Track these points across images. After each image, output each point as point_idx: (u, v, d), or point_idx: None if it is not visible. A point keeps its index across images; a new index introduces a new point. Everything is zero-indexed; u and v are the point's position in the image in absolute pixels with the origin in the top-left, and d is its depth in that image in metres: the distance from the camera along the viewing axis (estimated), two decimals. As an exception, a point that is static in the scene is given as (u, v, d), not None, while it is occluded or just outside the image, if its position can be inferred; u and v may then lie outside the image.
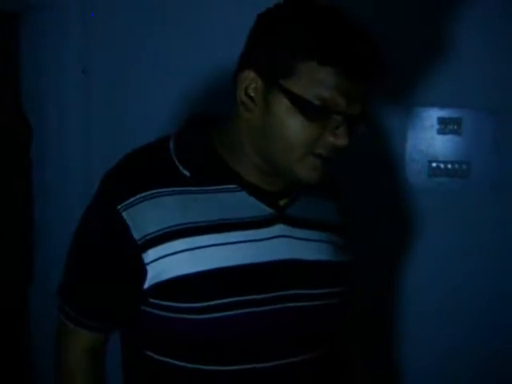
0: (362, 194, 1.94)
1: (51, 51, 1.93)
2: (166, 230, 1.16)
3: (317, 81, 1.12)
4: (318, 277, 1.27)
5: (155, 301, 1.18)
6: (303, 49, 1.12)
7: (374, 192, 1.95)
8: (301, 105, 1.13)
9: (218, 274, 1.16)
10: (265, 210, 1.22)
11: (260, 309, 1.18)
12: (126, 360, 1.31)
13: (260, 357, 1.20)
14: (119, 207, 1.16)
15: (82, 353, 1.26)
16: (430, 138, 1.93)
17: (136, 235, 1.15)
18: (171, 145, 1.24)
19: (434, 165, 1.93)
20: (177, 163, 1.21)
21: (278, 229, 1.23)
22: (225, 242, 1.17)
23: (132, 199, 1.16)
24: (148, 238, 1.15)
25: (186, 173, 1.20)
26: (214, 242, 1.17)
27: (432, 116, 1.92)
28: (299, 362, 1.24)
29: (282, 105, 1.14)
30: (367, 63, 1.13)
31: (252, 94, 1.17)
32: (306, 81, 1.12)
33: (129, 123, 1.99)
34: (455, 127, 1.91)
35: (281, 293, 1.21)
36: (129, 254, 1.16)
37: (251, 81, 1.17)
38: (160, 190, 1.18)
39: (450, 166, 1.92)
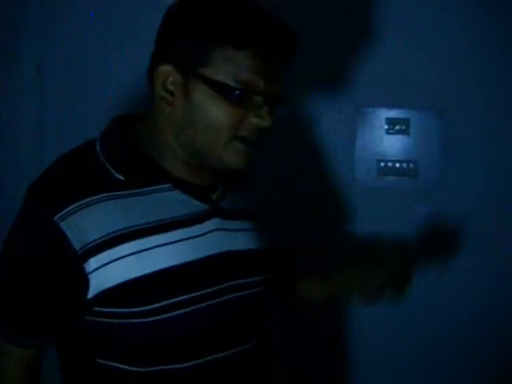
0: (310, 193, 1.98)
1: (6, 50, 1.94)
2: (109, 236, 1.14)
3: (234, 65, 1.15)
4: (253, 265, 1.30)
5: (101, 309, 1.16)
6: (216, 35, 1.14)
7: (323, 190, 1.98)
8: (221, 90, 1.15)
9: (164, 275, 1.16)
10: (199, 205, 1.23)
11: (205, 304, 1.20)
12: (69, 368, 1.26)
13: (209, 351, 1.22)
14: (56, 218, 1.12)
15: (17, 373, 1.20)
16: (378, 137, 1.97)
17: (76, 246, 1.12)
18: (98, 148, 1.21)
19: (382, 164, 1.98)
20: (108, 167, 1.19)
21: (212, 223, 1.25)
22: (167, 241, 1.18)
23: (69, 208, 1.13)
24: (89, 246, 1.13)
25: (120, 176, 1.18)
26: (156, 243, 1.17)
27: (380, 116, 1.97)
28: (242, 351, 1.27)
29: (202, 93, 1.16)
30: (281, 43, 1.17)
31: (171, 88, 1.18)
32: (223, 66, 1.15)
33: (83, 121, 2.00)
34: (403, 127, 1.96)
35: (223, 285, 1.23)
36: (68, 267, 1.13)
37: (168, 74, 1.18)
38: (97, 197, 1.15)
39: (398, 165, 1.97)
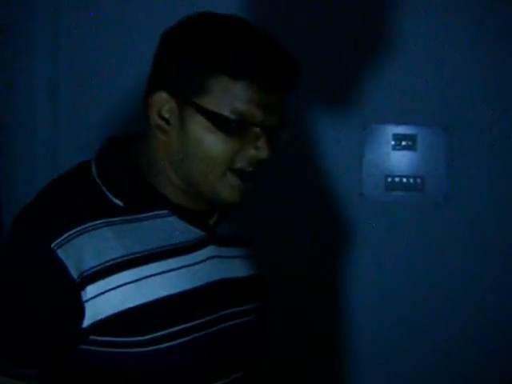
0: (319, 208, 2.01)
1: (20, 72, 1.97)
2: (107, 264, 1.10)
3: (231, 95, 1.11)
4: (248, 292, 1.28)
5: (97, 338, 1.11)
6: (213, 64, 1.11)
7: (331, 206, 2.01)
8: (217, 121, 1.11)
9: (163, 304, 1.13)
10: (196, 232, 1.21)
11: (204, 332, 1.18)
12: None
13: (207, 379, 1.20)
14: (53, 245, 1.07)
15: None
16: (385, 153, 2.01)
17: (74, 274, 1.08)
18: (94, 171, 1.18)
19: (389, 179, 2.01)
20: (106, 192, 1.16)
21: (209, 250, 1.22)
22: (165, 269, 1.15)
23: (67, 234, 1.09)
24: (87, 273, 1.09)
25: (118, 202, 1.15)
26: (155, 271, 1.14)
27: (388, 133, 2.00)
28: (236, 379, 1.25)
29: (198, 123, 1.13)
30: (281, 73, 1.13)
31: (166, 116, 1.15)
32: (219, 96, 1.11)
33: (96, 143, 2.03)
34: (410, 143, 2.00)
35: (220, 313, 1.21)
36: (66, 295, 1.08)
37: (164, 102, 1.15)
38: (95, 222, 1.12)
39: (405, 180, 2.00)
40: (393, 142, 2.00)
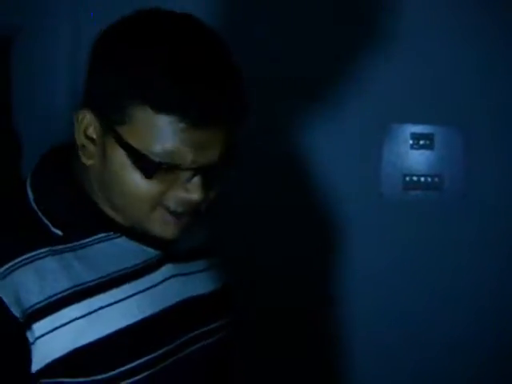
0: (337, 208, 2.02)
1: (41, 73, 1.99)
2: (52, 299, 0.98)
3: (154, 131, 0.93)
4: (216, 308, 1.20)
5: (49, 380, 0.99)
6: (135, 91, 0.93)
7: (351, 206, 2.02)
8: (138, 160, 0.95)
9: (120, 337, 1.03)
10: (150, 252, 1.09)
11: (169, 361, 1.09)
12: None
13: None
14: None
15: None
16: (403, 152, 2.02)
17: (16, 312, 0.95)
18: (29, 194, 1.05)
19: (407, 178, 2.02)
20: (44, 220, 1.03)
21: (167, 269, 1.11)
22: (120, 298, 1.04)
23: (3, 269, 0.97)
24: (31, 310, 0.96)
25: (58, 232, 1.03)
26: (109, 301, 1.03)
27: (405, 132, 2.01)
28: None
29: (118, 156, 0.97)
30: (215, 106, 0.94)
31: (94, 137, 1.00)
32: (142, 130, 0.94)
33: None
34: (427, 142, 2.01)
35: (185, 337, 1.12)
36: (10, 338, 0.96)
37: (89, 122, 1.00)
38: (34, 253, 0.99)
39: (423, 179, 2.01)
40: (411, 141, 2.01)
